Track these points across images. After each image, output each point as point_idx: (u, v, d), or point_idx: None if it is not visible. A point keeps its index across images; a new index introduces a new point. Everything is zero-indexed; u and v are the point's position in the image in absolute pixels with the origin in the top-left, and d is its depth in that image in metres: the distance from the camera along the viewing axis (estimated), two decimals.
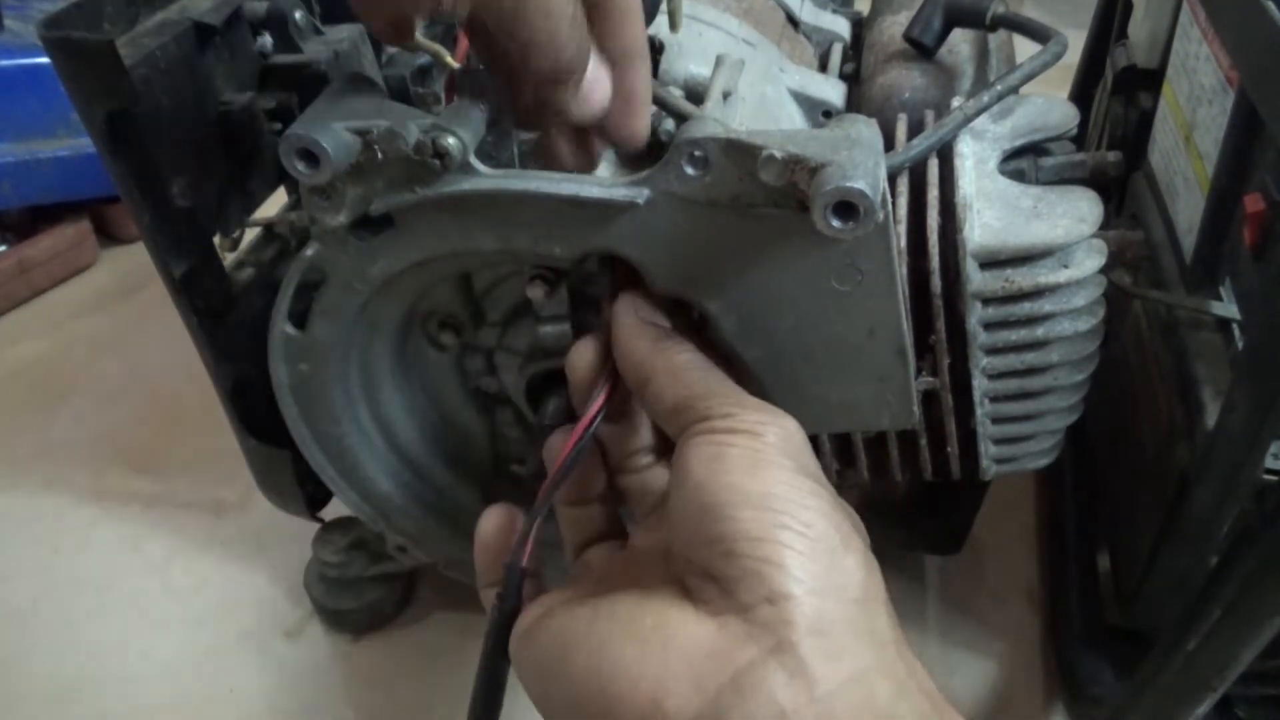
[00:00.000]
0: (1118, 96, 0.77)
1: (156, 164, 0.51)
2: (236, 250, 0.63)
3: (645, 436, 0.39)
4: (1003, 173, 0.48)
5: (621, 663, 0.28)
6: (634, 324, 0.36)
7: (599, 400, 0.36)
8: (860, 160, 0.31)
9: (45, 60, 0.46)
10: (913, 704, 0.27)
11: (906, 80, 0.60)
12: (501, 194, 0.36)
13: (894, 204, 0.46)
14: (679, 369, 0.34)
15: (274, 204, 0.67)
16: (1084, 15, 0.92)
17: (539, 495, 0.35)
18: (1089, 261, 0.45)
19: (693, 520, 0.29)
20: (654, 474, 0.39)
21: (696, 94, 0.53)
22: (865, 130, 0.34)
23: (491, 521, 0.38)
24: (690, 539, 0.29)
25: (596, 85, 0.34)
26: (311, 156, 0.34)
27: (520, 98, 0.33)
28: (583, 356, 0.37)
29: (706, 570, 0.28)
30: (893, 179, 0.48)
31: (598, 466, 0.39)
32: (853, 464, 0.52)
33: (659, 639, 0.28)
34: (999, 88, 0.48)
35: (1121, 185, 0.75)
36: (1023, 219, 0.45)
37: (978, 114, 0.48)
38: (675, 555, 0.31)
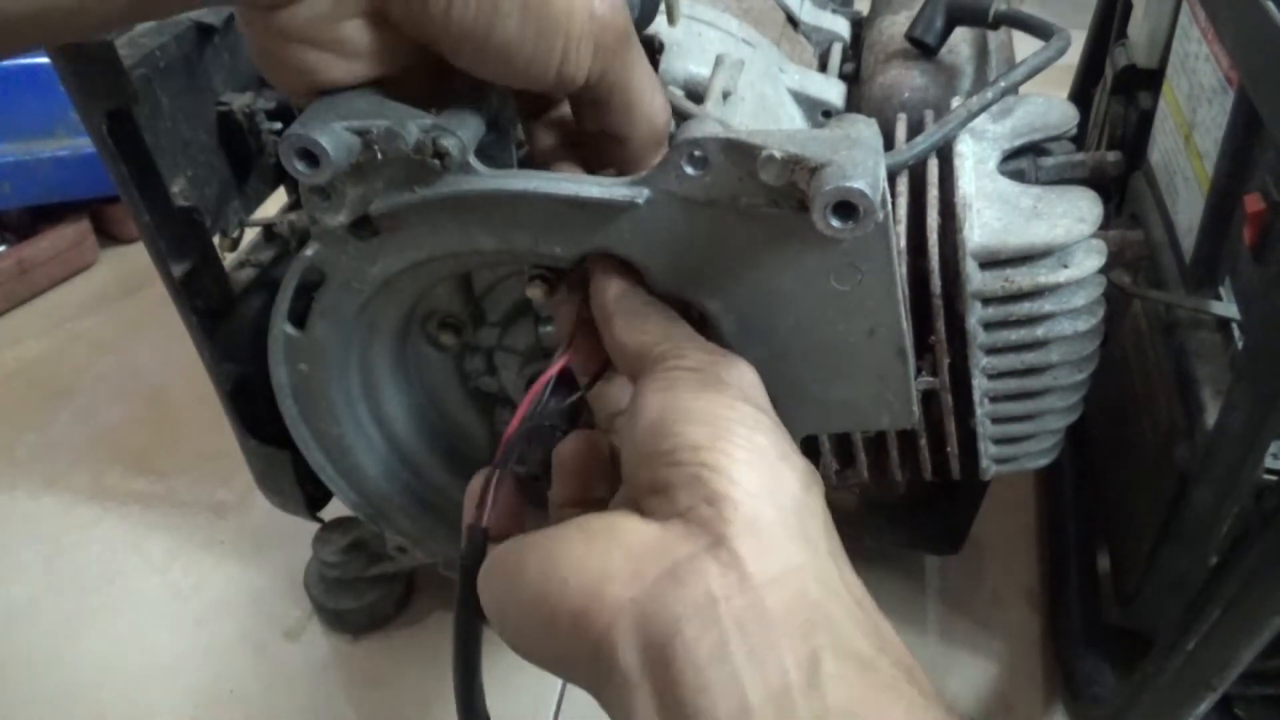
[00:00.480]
0: (1117, 96, 0.77)
1: (156, 164, 0.51)
2: (236, 250, 0.63)
3: (626, 398, 0.39)
4: (1002, 173, 0.48)
5: (570, 554, 0.29)
6: (605, 276, 0.37)
7: (563, 354, 0.37)
8: (860, 160, 0.31)
9: (45, 60, 0.46)
10: (842, 603, 0.28)
11: (906, 80, 0.60)
12: (501, 194, 0.36)
13: (894, 204, 0.46)
14: (640, 314, 0.36)
15: (274, 204, 0.67)
16: (1084, 15, 0.92)
17: (501, 444, 0.36)
18: (1089, 261, 0.45)
19: (641, 441, 0.31)
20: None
21: (696, 94, 0.53)
22: (865, 130, 0.34)
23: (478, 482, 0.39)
24: (639, 459, 0.31)
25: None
26: (311, 156, 0.34)
27: (622, 154, 0.38)
28: (562, 317, 0.40)
29: (653, 484, 0.30)
30: (894, 178, 0.48)
31: (603, 470, 0.39)
32: (852, 464, 0.52)
33: (606, 536, 0.29)
34: (1003, 84, 0.48)
35: (1121, 185, 0.75)
36: (1022, 219, 0.45)
37: (982, 110, 0.48)
38: (627, 481, 0.32)
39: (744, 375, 0.33)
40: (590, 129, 0.38)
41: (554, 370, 0.37)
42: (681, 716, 0.25)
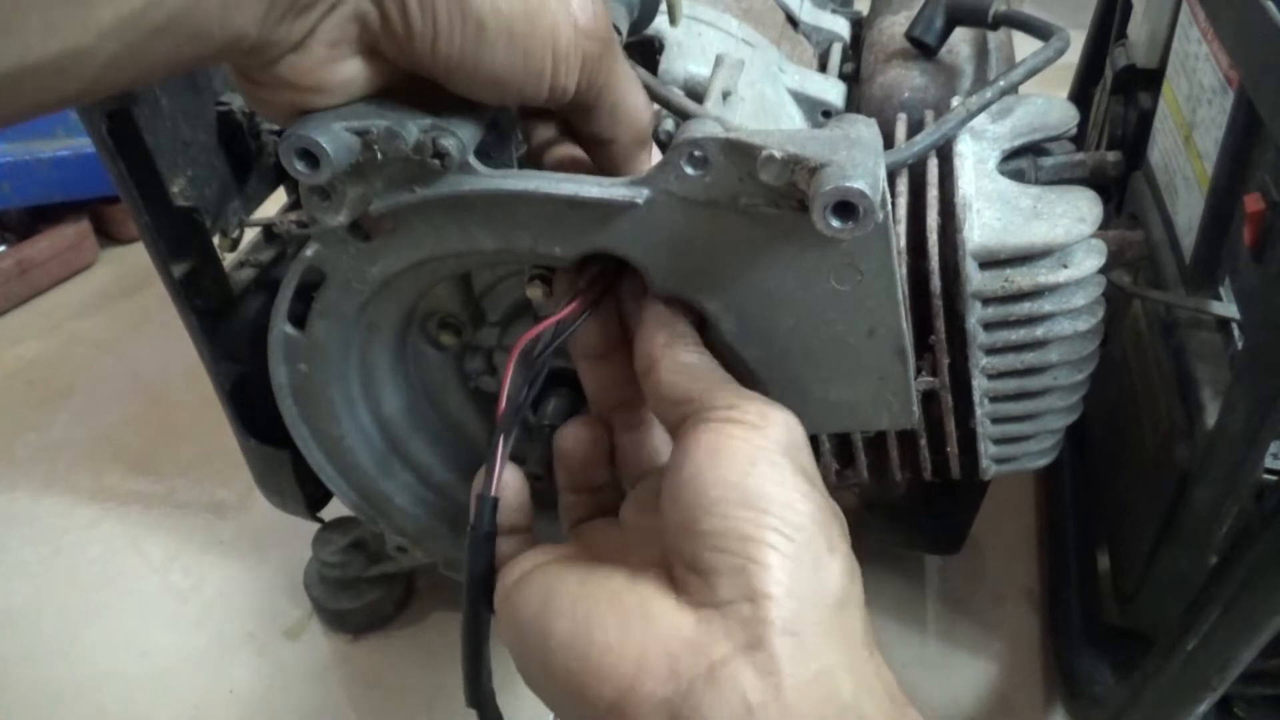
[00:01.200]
0: (1117, 96, 0.77)
1: (156, 164, 0.51)
2: (236, 250, 0.63)
3: (658, 449, 0.39)
4: (1002, 172, 0.48)
5: (604, 637, 0.29)
6: (657, 316, 0.37)
7: (564, 308, 0.37)
8: (860, 160, 0.31)
9: None
10: (876, 701, 0.28)
11: (906, 80, 0.60)
12: (501, 194, 0.36)
13: (894, 204, 0.46)
14: (686, 363, 0.35)
15: (273, 204, 0.67)
16: (1083, 15, 0.92)
17: (499, 411, 0.36)
18: (1088, 261, 0.45)
19: (685, 512, 0.30)
20: (647, 434, 0.40)
21: (696, 94, 0.53)
22: (865, 130, 0.34)
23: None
24: (681, 530, 0.30)
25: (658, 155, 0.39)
26: (311, 157, 0.34)
27: (609, 156, 0.38)
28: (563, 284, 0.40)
29: (693, 563, 0.29)
30: (894, 178, 0.48)
31: (603, 459, 0.39)
32: (852, 464, 0.52)
33: (641, 621, 0.29)
34: (1002, 83, 0.48)
35: (1121, 185, 0.75)
36: (1022, 219, 0.45)
37: (982, 108, 0.48)
38: (666, 542, 0.31)
39: (792, 432, 0.32)
40: (578, 133, 0.38)
41: (551, 321, 0.36)
42: None
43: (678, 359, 0.35)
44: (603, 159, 0.39)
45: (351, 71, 0.32)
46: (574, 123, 0.38)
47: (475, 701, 0.36)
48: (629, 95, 0.37)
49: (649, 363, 0.35)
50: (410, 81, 0.34)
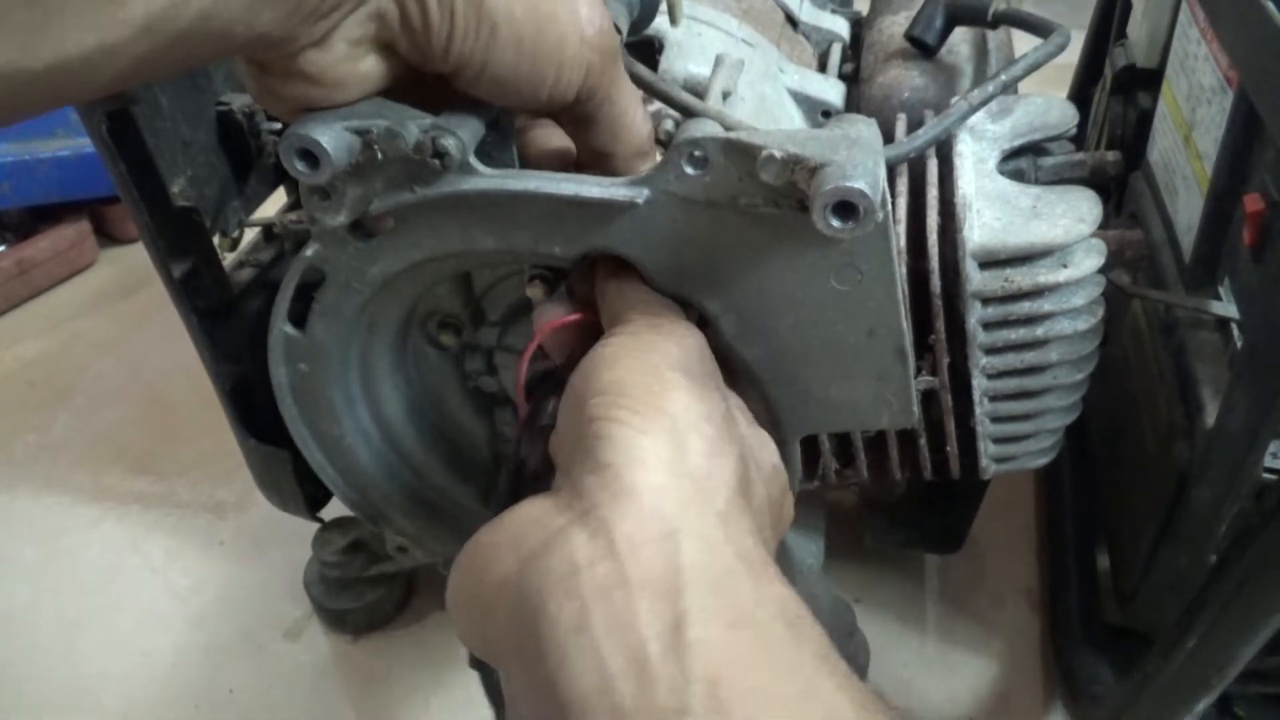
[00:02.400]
0: (1117, 96, 0.77)
1: (156, 164, 0.51)
2: (236, 250, 0.63)
3: None
4: (1002, 172, 0.48)
5: (478, 545, 0.30)
6: (609, 264, 0.39)
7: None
8: (860, 160, 0.31)
9: None
10: (724, 565, 0.26)
11: (906, 80, 0.60)
12: (501, 194, 0.36)
13: (893, 204, 0.46)
14: (625, 288, 0.37)
15: (273, 204, 0.67)
16: (1082, 15, 0.92)
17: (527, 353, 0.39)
18: (1088, 261, 0.45)
19: (563, 417, 0.32)
20: None
21: (696, 94, 0.53)
22: (865, 130, 0.34)
23: None
24: (560, 434, 0.32)
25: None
26: (311, 157, 0.34)
27: (609, 168, 0.39)
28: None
29: (563, 462, 0.30)
30: (893, 178, 0.48)
31: None
32: (852, 463, 0.52)
33: (508, 516, 0.29)
34: (1004, 77, 0.48)
35: (1121, 185, 0.75)
36: (1022, 218, 0.45)
37: (983, 103, 0.48)
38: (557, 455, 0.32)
39: (682, 339, 0.33)
40: (579, 145, 0.39)
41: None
42: (546, 693, 0.24)
43: (620, 285, 0.37)
44: (604, 170, 0.39)
45: (367, 68, 0.33)
46: (575, 135, 0.39)
47: (481, 663, 0.36)
48: (629, 110, 0.38)
49: (599, 296, 0.37)
50: (416, 81, 0.35)
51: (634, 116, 0.38)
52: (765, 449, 0.35)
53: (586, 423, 0.29)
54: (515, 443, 0.38)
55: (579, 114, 0.36)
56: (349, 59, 0.32)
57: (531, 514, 0.29)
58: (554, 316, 0.39)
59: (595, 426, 0.29)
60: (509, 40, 0.32)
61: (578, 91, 0.35)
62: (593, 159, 0.39)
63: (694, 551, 0.26)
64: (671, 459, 0.28)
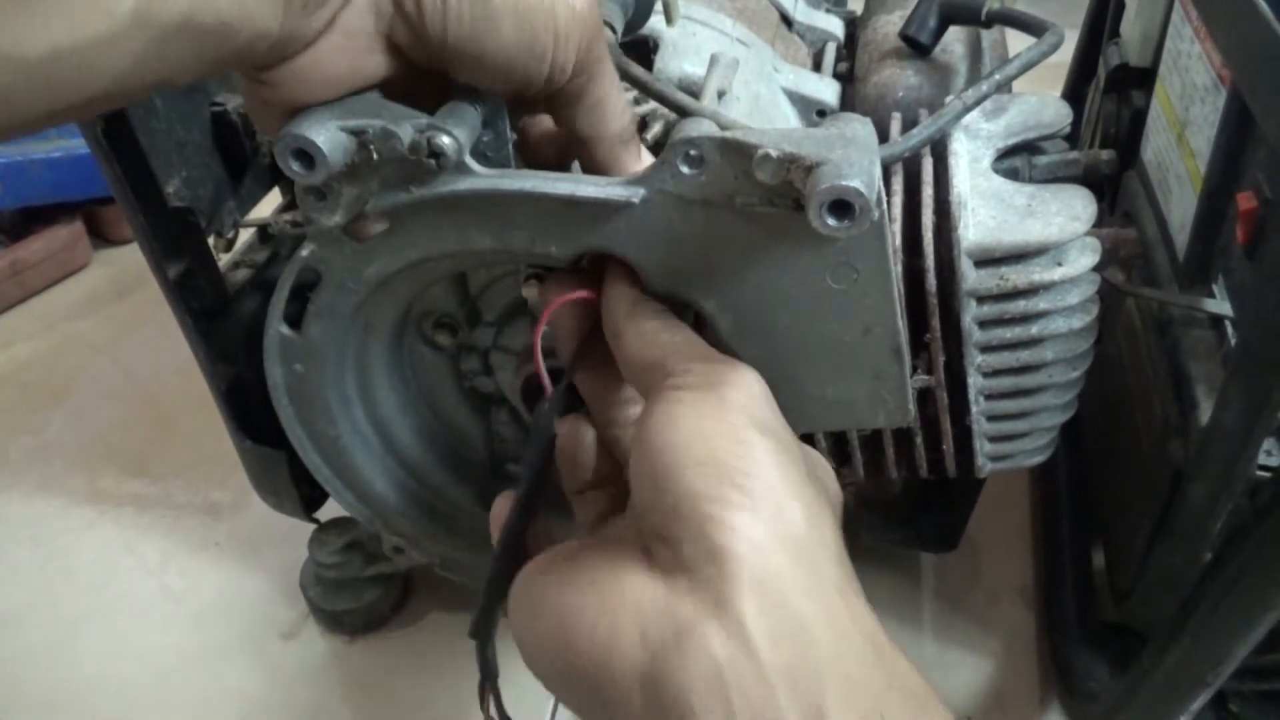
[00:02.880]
0: (1110, 95, 0.77)
1: (150, 165, 0.51)
2: (231, 251, 0.63)
3: (629, 389, 0.39)
4: (997, 171, 0.48)
5: (581, 619, 0.29)
6: (618, 288, 0.37)
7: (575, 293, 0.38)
8: (855, 159, 0.31)
9: None
10: (856, 652, 0.27)
11: (901, 79, 0.60)
12: (497, 194, 0.36)
13: (889, 202, 0.46)
14: (647, 330, 0.36)
15: (268, 204, 0.67)
16: (1076, 15, 0.92)
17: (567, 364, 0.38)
18: (1083, 259, 0.45)
19: (646, 484, 0.31)
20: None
21: (691, 93, 0.53)
22: (860, 129, 0.34)
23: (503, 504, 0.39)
24: (646, 503, 0.31)
25: (648, 158, 0.39)
26: (307, 157, 0.34)
27: (596, 155, 0.38)
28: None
29: (660, 532, 0.29)
30: (888, 176, 0.48)
31: (588, 461, 0.39)
32: (848, 462, 0.52)
33: (615, 597, 0.29)
34: (999, 75, 0.48)
35: (1115, 183, 0.75)
36: (1017, 217, 0.45)
37: (978, 102, 0.48)
38: (639, 519, 0.32)
39: (749, 388, 0.33)
40: (564, 130, 0.38)
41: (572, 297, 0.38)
42: None
43: (640, 326, 0.36)
44: (590, 158, 0.39)
45: (366, 63, 0.33)
46: (559, 121, 0.38)
47: (480, 634, 0.36)
48: (613, 91, 0.37)
49: (614, 333, 0.36)
50: (413, 77, 0.34)
51: (618, 98, 0.38)
52: (825, 471, 0.35)
53: (690, 500, 0.29)
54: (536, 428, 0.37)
55: (567, 95, 0.36)
56: (345, 53, 0.32)
57: (651, 601, 0.28)
58: (564, 291, 0.38)
59: (704, 508, 0.28)
60: (504, 13, 0.32)
61: (574, 65, 0.34)
62: (580, 146, 0.39)
63: (826, 640, 0.27)
64: (783, 534, 0.28)
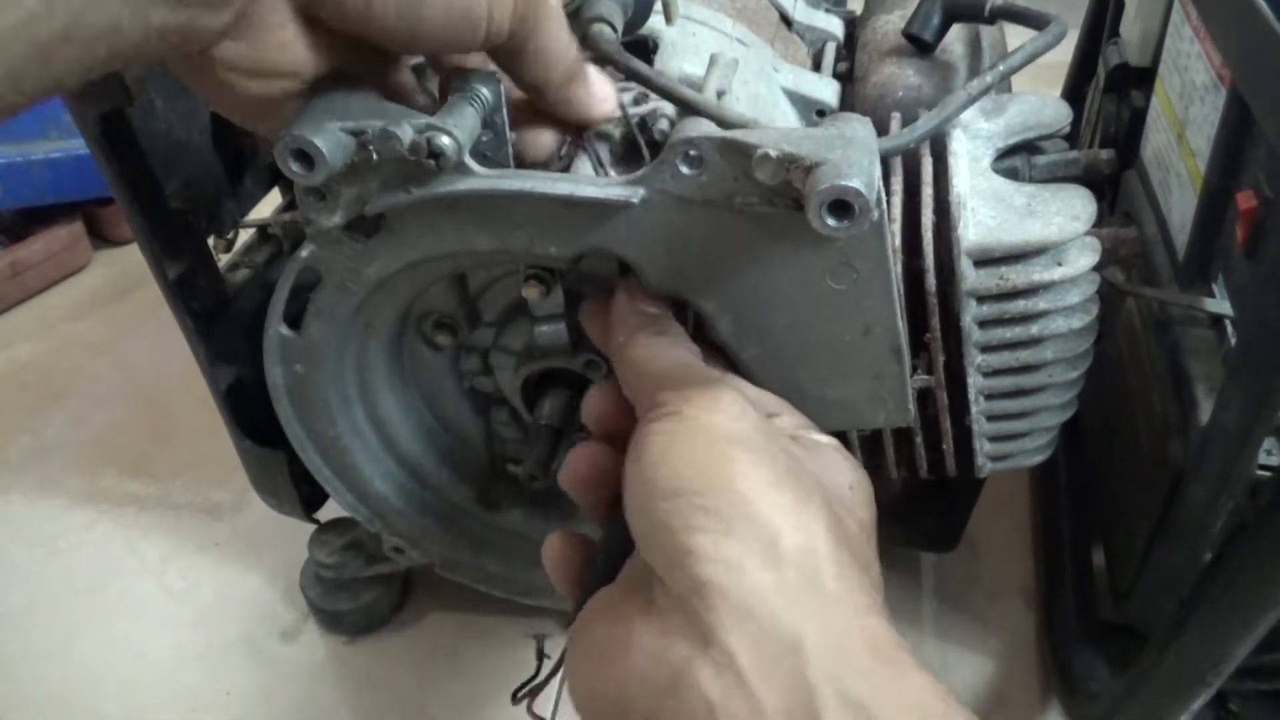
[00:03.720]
0: (1110, 94, 0.77)
1: (150, 165, 0.51)
2: (231, 251, 0.63)
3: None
4: (996, 171, 0.48)
5: (601, 662, 0.29)
6: (624, 300, 0.37)
7: None
8: (855, 159, 0.31)
9: None
10: (853, 662, 0.26)
11: (901, 79, 0.60)
12: (497, 194, 0.36)
13: (888, 202, 0.46)
14: (638, 361, 0.35)
15: (268, 205, 0.67)
16: (1075, 14, 0.92)
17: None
18: (1083, 259, 0.45)
19: (634, 526, 0.30)
20: None
21: None
22: (860, 129, 0.34)
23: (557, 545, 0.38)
24: (639, 544, 0.30)
25: (600, 83, 0.39)
26: (306, 158, 0.34)
27: (544, 100, 0.38)
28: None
29: (655, 570, 0.29)
30: (887, 176, 0.48)
31: (605, 496, 0.38)
32: None
33: (625, 646, 0.29)
34: (1001, 68, 0.48)
35: (1114, 183, 0.75)
36: (1017, 217, 0.45)
37: (983, 93, 0.48)
38: (638, 549, 0.31)
39: (724, 408, 0.31)
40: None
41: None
42: None
43: (631, 356, 0.35)
44: (540, 105, 0.38)
45: (298, 49, 0.32)
46: (503, 69, 0.37)
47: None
48: (555, 37, 0.36)
49: (616, 352, 0.36)
50: (363, 54, 0.33)
51: (561, 41, 0.37)
52: (836, 470, 0.33)
53: (665, 534, 0.28)
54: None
55: (509, 50, 0.35)
56: (271, 42, 0.31)
57: (649, 648, 0.28)
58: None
59: (677, 540, 0.28)
60: None
61: (510, 25, 0.34)
62: (528, 91, 0.38)
63: (821, 660, 0.26)
64: (764, 552, 0.27)
